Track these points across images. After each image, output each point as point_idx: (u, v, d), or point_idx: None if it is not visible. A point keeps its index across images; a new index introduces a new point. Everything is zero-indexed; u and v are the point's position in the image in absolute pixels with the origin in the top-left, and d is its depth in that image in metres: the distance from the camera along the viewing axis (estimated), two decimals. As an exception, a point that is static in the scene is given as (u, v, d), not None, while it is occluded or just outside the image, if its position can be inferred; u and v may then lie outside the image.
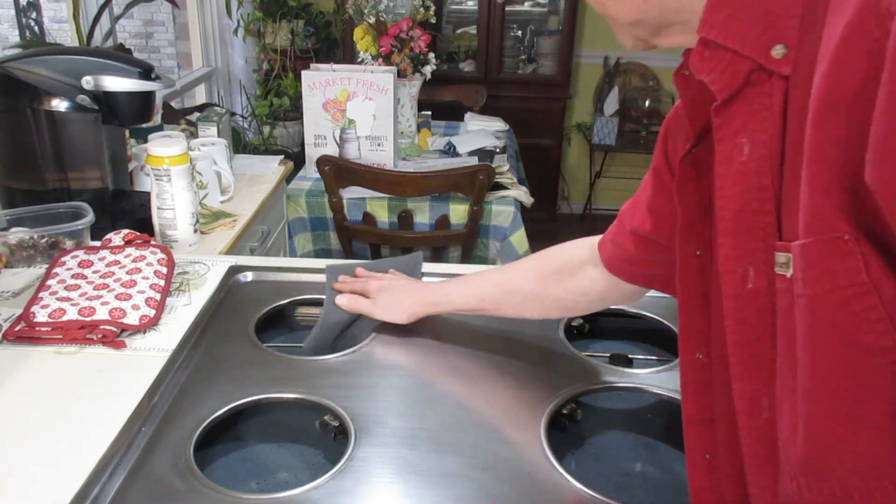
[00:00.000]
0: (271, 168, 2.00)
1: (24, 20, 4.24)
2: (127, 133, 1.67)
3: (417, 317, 1.04)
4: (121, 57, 1.42)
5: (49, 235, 1.25)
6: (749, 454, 0.56)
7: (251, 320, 1.09)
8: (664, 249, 0.77)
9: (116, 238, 1.25)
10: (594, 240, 0.94)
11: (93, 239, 1.30)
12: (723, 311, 0.55)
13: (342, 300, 1.05)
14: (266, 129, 3.48)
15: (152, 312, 1.07)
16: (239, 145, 3.08)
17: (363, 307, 1.05)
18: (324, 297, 1.07)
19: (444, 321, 1.11)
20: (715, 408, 0.63)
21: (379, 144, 2.23)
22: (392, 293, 1.06)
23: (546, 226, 4.00)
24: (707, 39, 0.53)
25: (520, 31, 3.92)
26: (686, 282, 0.64)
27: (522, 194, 2.17)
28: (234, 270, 1.23)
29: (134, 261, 1.17)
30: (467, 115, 2.79)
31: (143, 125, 1.68)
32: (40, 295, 1.09)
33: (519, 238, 2.10)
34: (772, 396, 0.53)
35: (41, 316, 1.03)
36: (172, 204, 1.36)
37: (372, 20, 2.50)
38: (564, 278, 0.95)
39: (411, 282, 1.11)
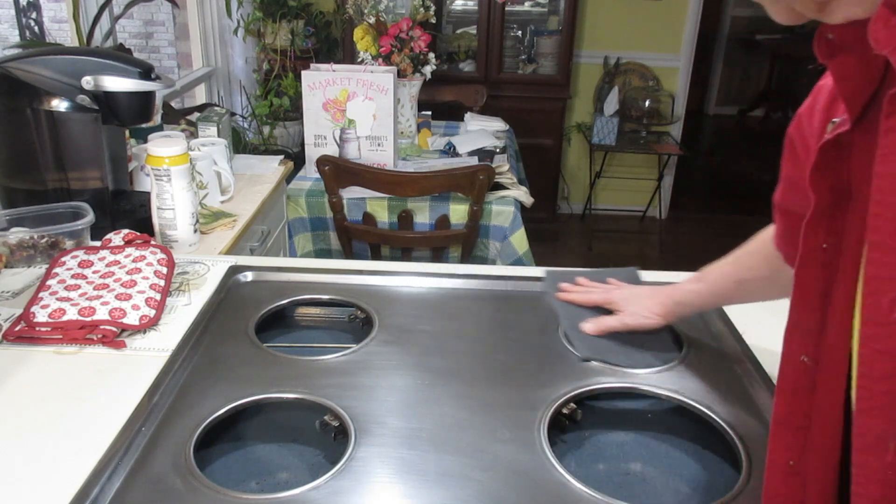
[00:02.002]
0: (271, 168, 2.00)
1: (24, 20, 4.24)
2: (127, 133, 1.67)
3: (670, 318, 1.04)
4: (121, 57, 1.42)
5: (49, 235, 1.25)
6: (860, 493, 0.51)
7: (251, 320, 1.09)
8: None
9: (116, 238, 1.25)
10: None
11: (93, 239, 1.30)
12: (859, 333, 0.50)
13: (589, 326, 1.05)
14: (266, 129, 3.48)
15: (152, 312, 1.07)
16: (239, 145, 3.08)
17: (614, 323, 1.04)
18: (324, 296, 1.07)
19: (443, 320, 1.11)
20: (813, 416, 0.58)
21: (379, 144, 2.23)
22: (639, 300, 1.05)
23: (546, 226, 4.00)
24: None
25: (520, 31, 3.92)
26: (805, 277, 0.58)
27: (522, 194, 2.17)
28: (234, 270, 1.23)
29: (134, 261, 1.17)
30: (467, 115, 2.79)
31: (143, 125, 1.68)
32: (40, 295, 1.09)
33: (519, 238, 2.10)
34: None
35: (41, 316, 1.03)
36: (172, 204, 1.36)
37: (372, 20, 2.50)
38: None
39: (643, 287, 1.10)
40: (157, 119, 1.90)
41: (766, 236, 0.92)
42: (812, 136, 0.65)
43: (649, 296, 1.06)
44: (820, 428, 0.57)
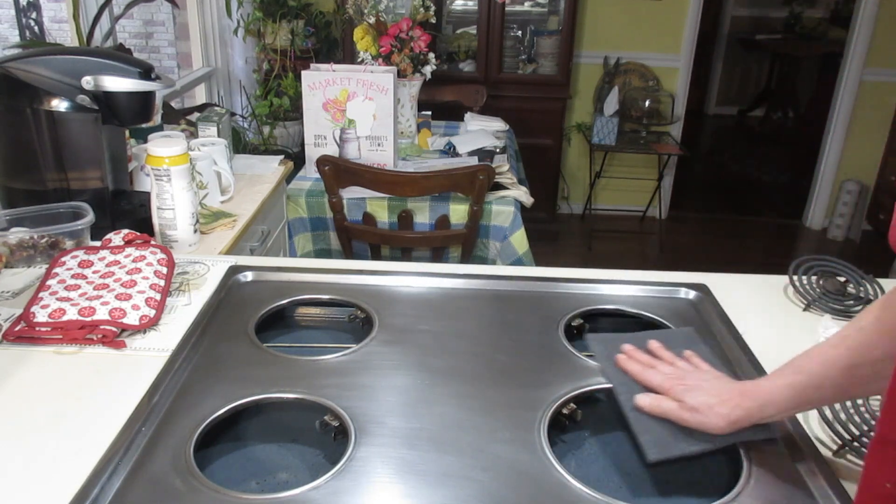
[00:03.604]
0: (271, 168, 2.00)
1: (24, 20, 4.23)
2: (127, 133, 1.67)
3: (738, 427, 0.83)
4: (121, 57, 1.42)
5: (49, 235, 1.25)
6: None
7: (251, 320, 1.09)
8: None
9: (116, 238, 1.25)
10: None
11: (93, 239, 1.30)
12: None
13: (645, 401, 0.88)
14: (266, 129, 3.48)
15: (152, 312, 1.07)
16: (239, 145, 3.08)
17: (671, 411, 0.86)
18: (324, 296, 1.07)
19: (443, 320, 1.11)
20: None
21: (379, 144, 2.23)
22: (704, 395, 0.85)
23: (546, 226, 4.00)
24: None
25: (520, 31, 3.92)
26: None
27: (522, 194, 2.17)
28: (234, 270, 1.23)
29: (134, 261, 1.17)
30: (467, 115, 2.79)
31: (143, 125, 1.68)
32: (40, 295, 1.09)
33: (519, 238, 2.10)
34: None
35: (41, 316, 1.03)
36: (172, 204, 1.36)
37: (372, 20, 2.50)
38: None
39: (720, 381, 0.89)
40: (157, 119, 1.90)
41: (886, 303, 0.76)
42: None
43: (718, 394, 0.85)
44: None
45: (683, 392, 0.86)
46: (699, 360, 0.96)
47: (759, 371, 0.98)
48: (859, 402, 0.92)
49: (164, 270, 1.18)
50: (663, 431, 0.86)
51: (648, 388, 0.91)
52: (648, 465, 0.85)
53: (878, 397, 0.88)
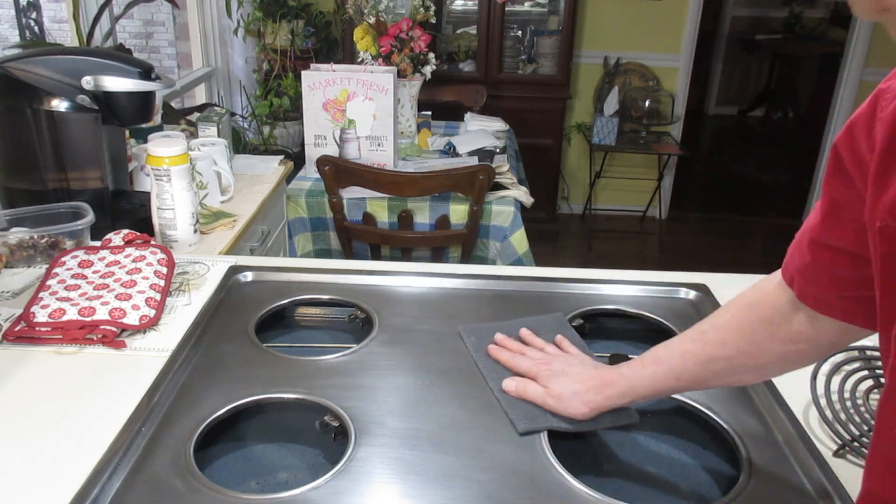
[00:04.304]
0: (271, 168, 2.00)
1: (24, 20, 4.24)
2: (127, 133, 1.67)
3: (600, 410, 0.87)
4: (121, 57, 1.42)
5: (49, 235, 1.25)
6: None
7: (251, 320, 1.09)
8: (852, 262, 0.62)
9: (116, 238, 1.25)
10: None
11: (93, 239, 1.30)
12: None
13: (511, 385, 0.93)
14: (266, 129, 3.48)
15: (152, 312, 1.07)
16: (239, 145, 3.08)
17: (535, 395, 0.90)
18: (324, 296, 1.07)
19: (443, 320, 1.11)
20: None
21: (379, 144, 2.23)
22: (568, 381, 0.89)
23: (546, 226, 4.00)
24: None
25: (520, 31, 3.92)
26: None
27: (522, 194, 2.17)
28: (234, 270, 1.23)
29: (134, 261, 1.17)
30: (467, 115, 2.79)
31: (143, 125, 1.68)
32: (40, 295, 1.09)
33: (519, 238, 2.10)
34: None
35: (41, 316, 1.03)
36: (172, 204, 1.36)
37: (372, 20, 2.50)
38: (778, 327, 0.75)
39: (586, 367, 0.93)
40: (157, 119, 1.90)
41: (744, 304, 0.80)
42: (870, 150, 0.56)
43: (581, 380, 0.89)
44: None
45: (549, 378, 0.91)
46: (568, 343, 1.01)
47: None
48: (859, 402, 0.92)
49: (164, 270, 1.18)
50: (531, 407, 0.90)
51: (518, 375, 0.95)
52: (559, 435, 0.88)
53: (877, 396, 0.88)
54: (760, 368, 0.80)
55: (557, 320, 1.10)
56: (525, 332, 1.04)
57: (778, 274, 0.76)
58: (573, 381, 0.89)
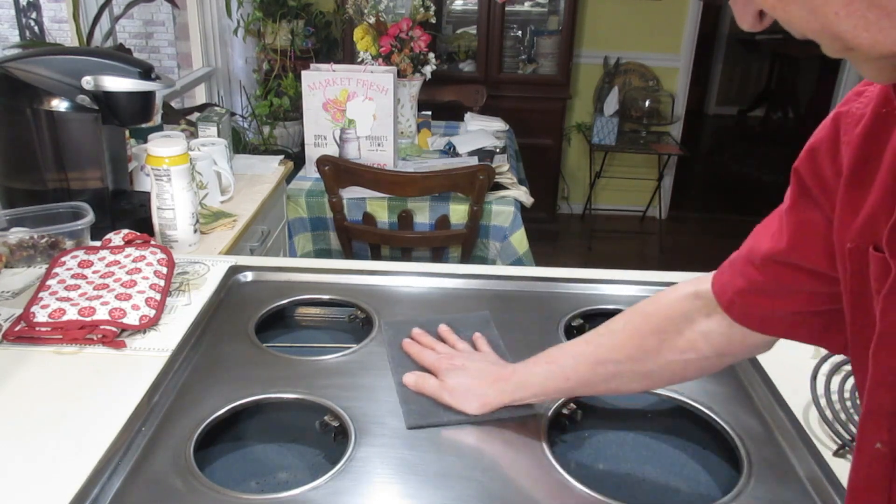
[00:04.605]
0: (271, 168, 2.00)
1: (24, 20, 4.24)
2: (127, 133, 1.67)
3: (491, 407, 0.88)
4: (121, 57, 1.42)
5: (49, 235, 1.25)
6: None
7: (251, 320, 1.09)
8: (814, 279, 0.62)
9: (116, 238, 1.25)
10: (699, 283, 0.77)
11: (93, 239, 1.30)
12: None
13: (410, 379, 0.94)
14: (266, 129, 3.48)
15: (152, 312, 1.07)
16: (239, 145, 3.08)
17: (431, 389, 0.91)
18: (324, 296, 1.07)
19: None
20: None
21: (379, 144, 2.23)
22: (464, 376, 0.91)
23: (546, 226, 4.00)
24: None
25: (520, 31, 3.92)
26: (886, 357, 0.50)
27: (522, 194, 2.17)
28: (234, 270, 1.23)
29: (134, 261, 1.17)
30: (467, 115, 2.79)
31: (143, 125, 1.68)
32: (40, 295, 1.09)
33: (519, 238, 2.10)
34: None
35: (41, 316, 1.03)
36: (172, 204, 1.36)
37: (372, 20, 2.50)
38: (669, 337, 0.78)
39: (485, 363, 0.95)
40: (157, 119, 1.90)
41: (645, 309, 0.82)
42: (836, 175, 0.56)
43: (478, 376, 0.91)
44: None
45: (447, 372, 0.92)
46: (483, 342, 1.01)
47: (759, 371, 0.98)
48: (859, 402, 0.91)
49: (164, 270, 1.18)
50: (426, 402, 0.91)
51: (423, 368, 0.96)
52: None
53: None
54: (648, 376, 0.82)
55: (482, 319, 1.10)
56: (443, 329, 1.05)
57: (679, 288, 0.79)
58: (469, 377, 0.91)
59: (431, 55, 2.55)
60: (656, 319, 0.80)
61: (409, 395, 0.92)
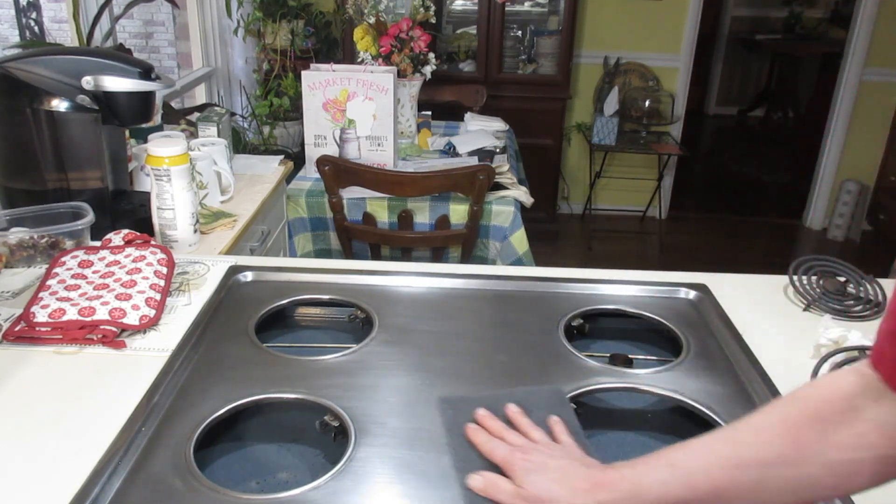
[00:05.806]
0: (271, 168, 2.00)
1: (24, 20, 4.24)
2: (127, 133, 1.67)
3: None
4: (121, 57, 1.42)
5: (49, 235, 1.25)
6: None
7: (251, 320, 1.09)
8: None
9: (116, 238, 1.25)
10: (860, 364, 0.63)
11: (93, 239, 1.30)
12: None
13: (478, 483, 0.75)
14: (266, 129, 3.48)
15: (152, 312, 1.07)
16: (239, 145, 3.08)
17: (505, 496, 0.73)
18: (324, 296, 1.07)
19: (443, 320, 1.11)
20: None
21: (379, 144, 2.23)
22: (546, 480, 0.72)
23: (546, 226, 4.00)
24: None
25: (520, 31, 3.92)
26: None
27: (522, 194, 2.17)
28: (234, 270, 1.23)
29: (134, 261, 1.17)
30: (467, 115, 2.79)
31: (143, 125, 1.68)
32: (40, 295, 1.09)
33: (519, 238, 2.10)
34: None
35: (41, 316, 1.03)
36: (172, 204, 1.36)
37: (372, 20, 2.50)
38: (831, 428, 0.61)
39: (569, 461, 0.76)
40: (157, 119, 1.90)
41: (798, 394, 0.66)
42: None
43: (565, 478, 0.72)
44: None
45: (524, 473, 0.73)
46: (562, 429, 0.83)
47: (759, 371, 0.98)
48: None
49: (164, 270, 1.18)
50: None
51: (492, 463, 0.78)
52: None
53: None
54: (806, 486, 0.62)
55: (555, 395, 0.92)
56: (512, 410, 0.86)
57: (839, 371, 0.65)
58: (555, 482, 0.71)
59: (431, 55, 2.55)
60: (814, 403, 0.64)
61: (477, 501, 0.75)
